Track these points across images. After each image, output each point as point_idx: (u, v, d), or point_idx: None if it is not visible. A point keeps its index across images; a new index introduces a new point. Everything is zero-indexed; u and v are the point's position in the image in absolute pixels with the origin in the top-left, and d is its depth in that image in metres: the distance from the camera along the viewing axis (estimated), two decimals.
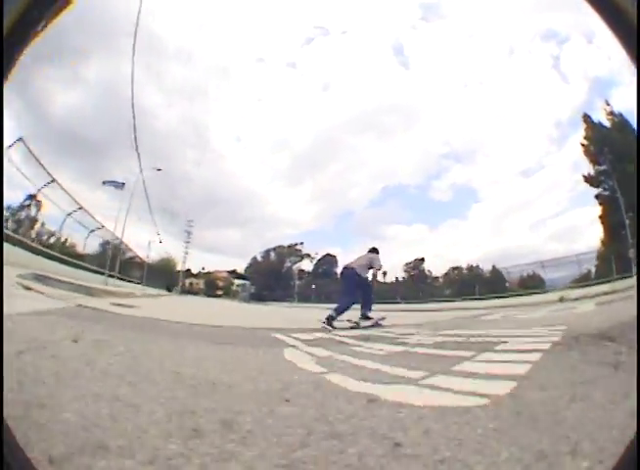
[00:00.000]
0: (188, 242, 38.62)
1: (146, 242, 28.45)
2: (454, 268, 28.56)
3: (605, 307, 6.20)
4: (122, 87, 30.63)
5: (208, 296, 37.01)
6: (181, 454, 1.07)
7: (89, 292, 8.24)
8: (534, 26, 44.89)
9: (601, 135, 17.19)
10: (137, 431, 1.20)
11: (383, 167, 47.88)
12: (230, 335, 4.69)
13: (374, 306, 6.82)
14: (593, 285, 10.49)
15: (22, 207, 15.94)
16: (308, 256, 39.18)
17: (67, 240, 18.50)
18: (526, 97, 41.94)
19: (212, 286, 42.56)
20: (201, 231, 47.34)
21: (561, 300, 10.84)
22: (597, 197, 17.42)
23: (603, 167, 17.03)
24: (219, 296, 38.47)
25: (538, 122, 43.44)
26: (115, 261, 23.68)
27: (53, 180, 13.24)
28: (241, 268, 41.70)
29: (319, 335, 4.60)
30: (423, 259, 32.90)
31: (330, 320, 5.89)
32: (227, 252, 54.63)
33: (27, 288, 5.41)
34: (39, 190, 12.96)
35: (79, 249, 19.54)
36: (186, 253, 38.67)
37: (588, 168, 17.78)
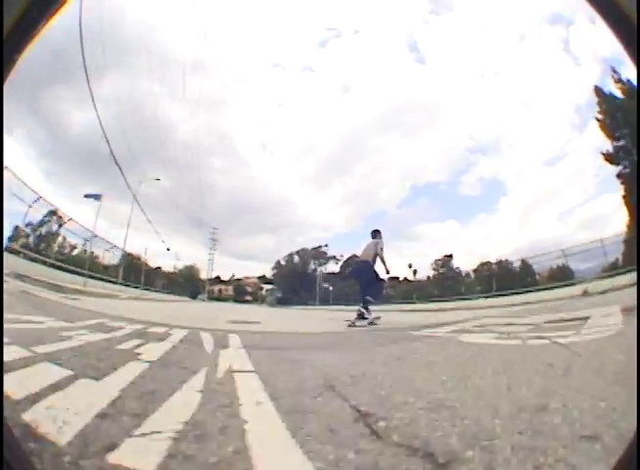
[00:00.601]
0: (213, 249, 39.48)
1: (168, 252, 29.28)
2: (483, 264, 26.72)
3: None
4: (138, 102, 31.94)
5: (235, 301, 37.49)
6: None
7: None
8: (544, 12, 41.96)
9: (615, 106, 15.43)
10: None
11: (409, 166, 46.84)
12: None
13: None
14: (621, 274, 8.96)
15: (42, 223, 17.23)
16: (334, 257, 38.44)
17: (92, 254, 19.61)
18: (542, 83, 39.29)
19: (241, 292, 43.25)
20: (233, 239, 48.48)
21: (585, 293, 9.40)
22: (619, 176, 15.53)
23: (622, 143, 15.20)
24: (248, 301, 38.88)
25: (557, 108, 40.57)
26: (137, 272, 24.63)
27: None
28: (270, 274, 42.00)
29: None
30: (451, 256, 31.24)
31: (360, 316, 6.00)
32: (260, 258, 55.46)
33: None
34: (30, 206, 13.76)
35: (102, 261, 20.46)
36: (210, 260, 39.51)
37: (608, 147, 16.06)
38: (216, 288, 42.93)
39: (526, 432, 1.06)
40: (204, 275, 39.52)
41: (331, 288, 32.98)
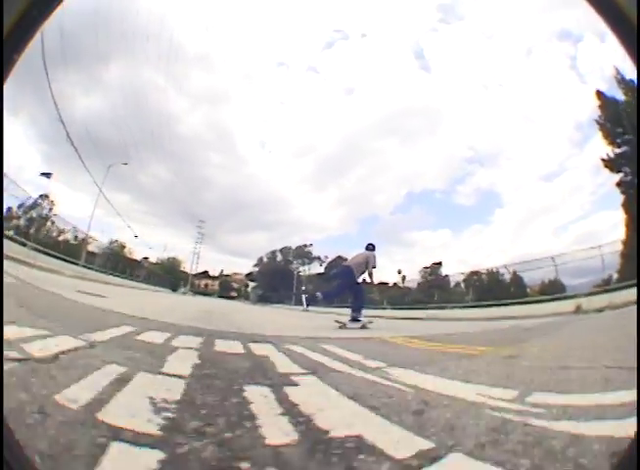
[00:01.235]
0: (199, 242, 38.48)
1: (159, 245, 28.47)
2: (473, 273, 26.01)
3: None
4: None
5: (220, 296, 36.72)
6: None
7: None
8: (549, 26, 41.96)
9: (616, 110, 14.94)
10: None
11: (407, 172, 46.38)
12: None
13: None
14: (618, 289, 8.12)
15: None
16: (318, 258, 37.63)
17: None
18: (546, 98, 39.05)
19: (227, 288, 42.56)
20: (226, 235, 47.46)
21: (577, 311, 8.54)
22: (619, 185, 15.02)
23: (623, 149, 14.68)
24: (233, 297, 38.00)
25: (557, 123, 40.49)
26: (114, 260, 23.67)
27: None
28: (253, 271, 41.18)
29: None
30: (440, 264, 30.60)
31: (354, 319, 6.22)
32: (251, 256, 54.20)
33: None
34: None
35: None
36: (195, 253, 38.51)
37: (608, 153, 15.54)
38: (203, 282, 42.24)
39: None
40: (188, 268, 38.56)
41: (303, 288, 32.07)
